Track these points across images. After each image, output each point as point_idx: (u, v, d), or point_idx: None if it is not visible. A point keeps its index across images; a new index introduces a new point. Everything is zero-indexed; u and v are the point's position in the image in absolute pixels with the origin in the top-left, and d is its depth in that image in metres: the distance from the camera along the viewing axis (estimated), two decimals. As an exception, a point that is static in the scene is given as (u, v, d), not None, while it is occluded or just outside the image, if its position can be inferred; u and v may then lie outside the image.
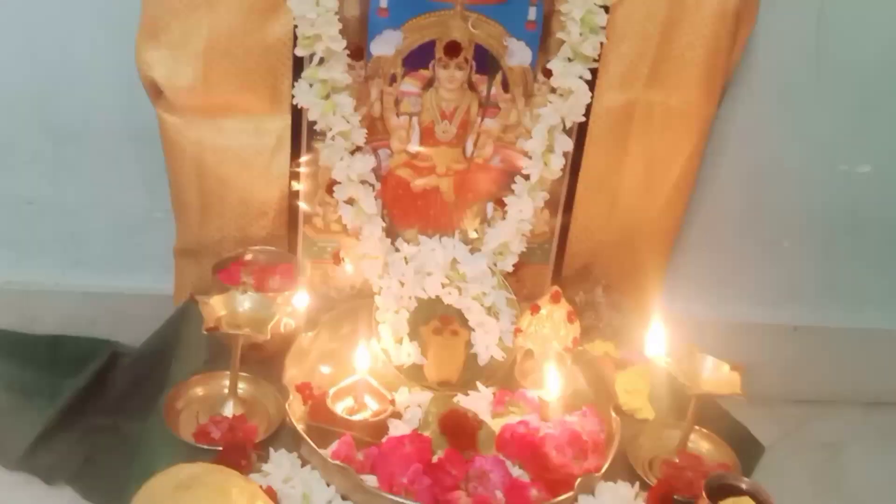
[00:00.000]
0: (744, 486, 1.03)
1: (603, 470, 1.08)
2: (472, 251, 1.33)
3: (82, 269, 1.49)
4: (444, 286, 1.29)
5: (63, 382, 1.40)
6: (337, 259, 1.34)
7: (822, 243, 1.60)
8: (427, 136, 1.30)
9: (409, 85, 1.26)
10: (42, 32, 1.31)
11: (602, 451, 1.11)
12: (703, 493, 1.02)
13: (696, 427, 1.19)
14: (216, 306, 1.10)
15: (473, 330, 1.28)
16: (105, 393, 1.40)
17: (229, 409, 1.14)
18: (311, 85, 1.19)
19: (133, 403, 1.33)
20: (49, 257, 1.48)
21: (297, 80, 1.20)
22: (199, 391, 1.18)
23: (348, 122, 1.21)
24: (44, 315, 1.49)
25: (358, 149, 1.25)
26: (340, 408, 1.15)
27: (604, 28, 1.23)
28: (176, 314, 1.35)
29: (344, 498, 1.02)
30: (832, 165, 1.52)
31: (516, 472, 1.10)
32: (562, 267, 1.42)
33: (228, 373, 1.15)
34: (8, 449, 1.29)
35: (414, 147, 1.30)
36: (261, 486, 0.98)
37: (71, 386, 1.38)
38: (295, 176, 1.28)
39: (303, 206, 1.31)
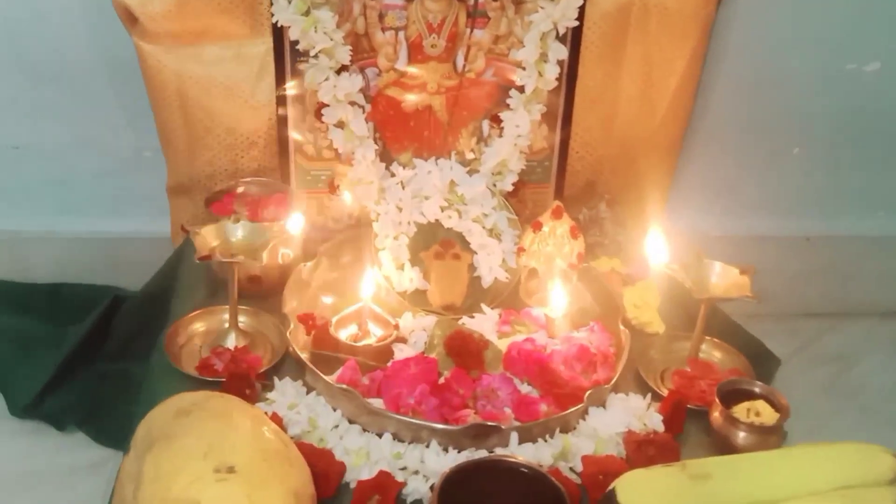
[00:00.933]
0: (757, 391, 1.01)
1: (612, 382, 1.06)
2: (470, 172, 1.29)
3: (74, 214, 1.47)
4: (443, 210, 1.26)
5: (66, 330, 1.40)
6: (332, 188, 1.31)
7: (831, 149, 1.55)
8: (415, 52, 1.25)
9: (393, -3, 1.20)
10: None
11: (612, 364, 1.09)
12: (716, 399, 1.00)
13: (708, 337, 1.16)
14: (208, 236, 1.07)
15: (476, 253, 1.25)
16: (110, 338, 1.40)
17: (231, 342, 1.12)
18: (289, 1, 1.14)
19: (138, 346, 1.32)
20: (38, 203, 1.46)
21: (275, -2, 1.15)
22: (199, 326, 1.17)
23: (331, 38, 1.16)
24: (37, 263, 1.47)
25: (344, 68, 1.21)
26: (344, 335, 1.14)
27: (596, -75, 1.17)
28: (174, 255, 1.32)
29: (350, 421, 1.01)
30: (839, 66, 1.46)
31: (525, 389, 1.08)
32: (563, 185, 1.38)
33: (228, 306, 1.13)
34: (17, 398, 1.29)
35: (402, 64, 1.25)
36: (266, 413, 0.96)
37: (75, 333, 1.37)
38: (282, 102, 1.24)
39: (293, 134, 1.27)
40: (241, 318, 1.15)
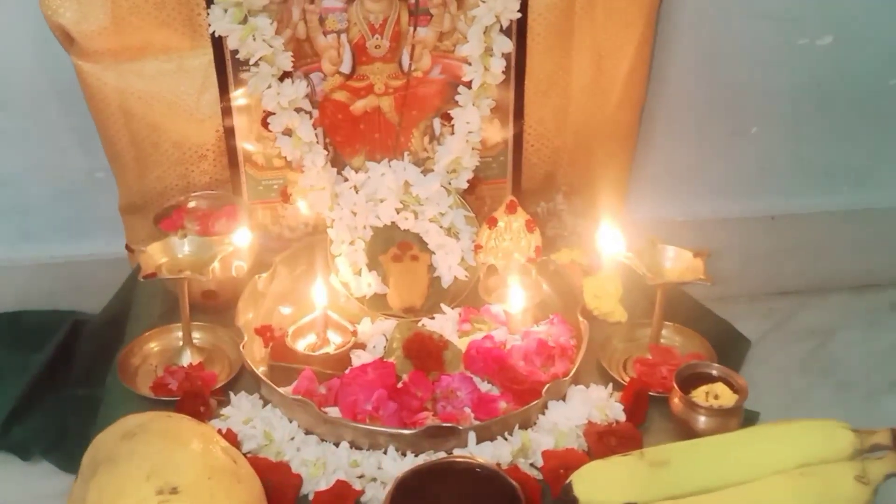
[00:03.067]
0: (714, 373, 1.00)
1: (571, 374, 1.04)
2: (423, 172, 1.27)
3: (32, 240, 1.45)
4: (398, 212, 1.24)
5: (29, 358, 1.37)
6: (285, 196, 1.29)
7: (791, 125, 1.53)
8: (360, 54, 1.24)
9: (332, 0, 1.19)
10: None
11: (571, 357, 1.08)
12: (675, 384, 0.99)
13: (669, 322, 1.15)
14: (154, 254, 1.06)
15: (434, 253, 1.24)
16: (72, 363, 1.37)
17: (186, 359, 1.10)
18: (225, 10, 1.13)
19: (101, 370, 1.28)
20: (-4, 232, 1.44)
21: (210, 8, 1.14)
22: (154, 346, 1.15)
23: (271, 45, 1.15)
24: (0, 292, 1.45)
25: (287, 74, 1.19)
26: (302, 345, 1.12)
27: (532, -89, 1.16)
28: (130, 276, 1.30)
29: (307, 432, 0.99)
30: (791, 40, 1.45)
31: (485, 387, 1.07)
32: (521, 179, 1.37)
33: (181, 324, 1.11)
34: (-20, 430, 1.27)
35: (347, 67, 1.24)
36: (219, 430, 0.94)
37: (37, 361, 1.35)
38: (227, 113, 1.23)
39: (242, 144, 1.25)
40: (197, 335, 1.14)
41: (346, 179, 1.27)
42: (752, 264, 1.61)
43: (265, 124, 1.22)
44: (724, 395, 0.96)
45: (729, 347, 1.32)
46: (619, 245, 1.09)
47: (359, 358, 1.10)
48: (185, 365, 1.08)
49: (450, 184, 1.28)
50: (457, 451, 0.95)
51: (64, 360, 1.37)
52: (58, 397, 1.32)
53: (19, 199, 1.42)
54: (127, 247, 1.15)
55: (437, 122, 1.30)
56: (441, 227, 1.25)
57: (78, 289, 1.45)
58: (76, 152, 1.38)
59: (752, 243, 1.60)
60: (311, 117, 1.23)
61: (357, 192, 1.26)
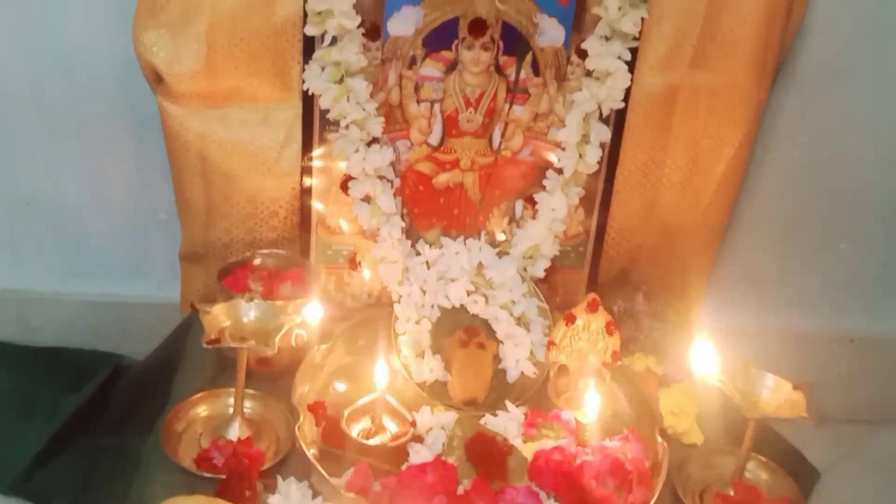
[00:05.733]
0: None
1: (651, 504, 0.96)
2: (499, 255, 1.23)
3: (83, 275, 1.41)
4: (469, 294, 1.19)
5: (64, 398, 1.32)
6: (353, 264, 1.24)
7: (880, 245, 1.48)
8: (450, 126, 1.19)
9: (431, 68, 1.16)
10: (34, 16, 1.22)
11: (648, 482, 0.99)
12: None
13: (753, 454, 1.06)
14: (219, 316, 1.00)
15: (502, 342, 1.18)
16: (108, 409, 1.32)
17: (234, 432, 1.03)
18: (322, 68, 1.09)
19: (138, 419, 1.24)
20: (48, 263, 1.41)
21: (307, 63, 1.10)
22: (202, 411, 1.09)
23: (364, 109, 1.11)
24: (43, 324, 1.42)
25: (374, 140, 1.15)
26: (356, 430, 1.06)
27: (645, 2, 1.11)
28: (181, 324, 1.26)
29: (359, 532, 0.91)
30: (890, 157, 1.39)
31: (551, 504, 0.98)
32: (598, 272, 1.32)
33: (234, 390, 1.04)
34: (4, 472, 1.20)
35: (436, 138, 1.19)
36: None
37: (72, 401, 1.30)
38: (307, 171, 1.18)
39: (316, 205, 1.20)
40: (247, 404, 1.07)
41: (419, 254, 1.21)
42: (825, 386, 1.50)
43: (345, 188, 1.18)
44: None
45: (796, 478, 1.23)
46: (713, 366, 1.01)
47: (417, 453, 1.03)
48: (234, 438, 1.01)
49: (525, 270, 1.23)
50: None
51: (99, 405, 1.32)
52: (86, 444, 1.26)
53: (75, 231, 1.39)
54: (192, 305, 1.09)
55: (519, 204, 1.25)
56: (512, 315, 1.19)
57: (123, 331, 1.41)
58: (143, 190, 1.35)
59: (827, 364, 1.52)
60: (392, 186, 1.18)
61: (428, 269, 1.20)
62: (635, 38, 1.14)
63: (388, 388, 1.09)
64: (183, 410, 1.06)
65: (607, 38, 1.13)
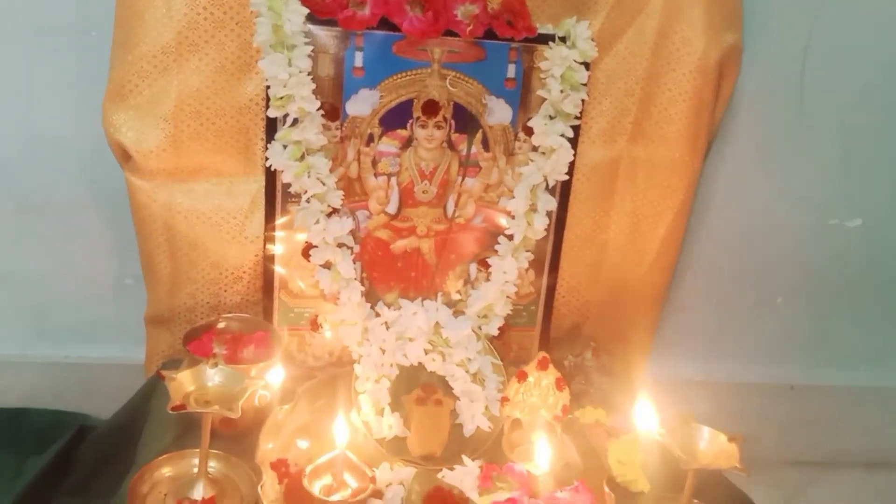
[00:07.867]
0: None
1: (598, 552, 1.01)
2: (455, 314, 1.28)
3: (48, 339, 1.43)
4: (427, 352, 1.23)
5: (27, 460, 1.33)
6: (314, 325, 1.28)
7: (815, 298, 1.56)
8: (407, 197, 1.26)
9: (387, 145, 1.22)
10: (4, 97, 1.26)
11: (596, 530, 1.04)
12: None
13: (696, 501, 1.12)
14: (184, 382, 1.03)
15: (458, 398, 1.22)
16: (71, 471, 1.33)
17: (199, 492, 1.06)
18: (284, 147, 1.15)
19: (102, 482, 1.26)
20: (13, 328, 1.42)
21: (270, 141, 1.16)
22: (166, 472, 1.10)
23: (324, 183, 1.16)
24: (7, 388, 1.42)
25: (335, 211, 1.20)
26: (318, 486, 1.08)
27: (585, 85, 1.21)
28: (146, 386, 1.28)
29: (320, 589, 0.95)
30: (821, 220, 1.49)
31: (505, 554, 1.03)
32: (549, 329, 1.37)
33: (198, 451, 1.08)
34: (-37, 539, 1.21)
35: (393, 208, 1.26)
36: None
37: (35, 464, 1.30)
38: (270, 239, 1.23)
39: (279, 269, 1.26)
40: (212, 464, 1.09)
41: (378, 315, 1.26)
42: (767, 431, 1.59)
43: (306, 255, 1.23)
44: None
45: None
46: (653, 421, 1.07)
47: (376, 509, 1.06)
48: (198, 498, 1.04)
49: (480, 329, 1.28)
50: None
51: (63, 468, 1.32)
52: (51, 507, 1.28)
53: (40, 298, 1.41)
54: (158, 372, 1.13)
55: (473, 267, 1.31)
56: (468, 371, 1.24)
57: (87, 392, 1.42)
58: (108, 257, 1.38)
59: (769, 411, 1.59)
60: (352, 252, 1.24)
61: (387, 329, 1.25)
62: (577, 117, 1.22)
63: (349, 444, 1.12)
64: (148, 472, 1.08)
65: (551, 118, 1.21)
